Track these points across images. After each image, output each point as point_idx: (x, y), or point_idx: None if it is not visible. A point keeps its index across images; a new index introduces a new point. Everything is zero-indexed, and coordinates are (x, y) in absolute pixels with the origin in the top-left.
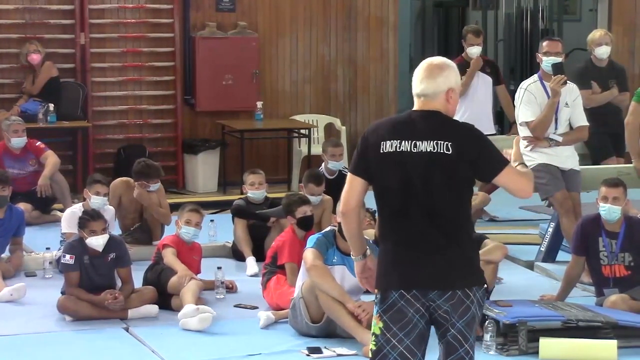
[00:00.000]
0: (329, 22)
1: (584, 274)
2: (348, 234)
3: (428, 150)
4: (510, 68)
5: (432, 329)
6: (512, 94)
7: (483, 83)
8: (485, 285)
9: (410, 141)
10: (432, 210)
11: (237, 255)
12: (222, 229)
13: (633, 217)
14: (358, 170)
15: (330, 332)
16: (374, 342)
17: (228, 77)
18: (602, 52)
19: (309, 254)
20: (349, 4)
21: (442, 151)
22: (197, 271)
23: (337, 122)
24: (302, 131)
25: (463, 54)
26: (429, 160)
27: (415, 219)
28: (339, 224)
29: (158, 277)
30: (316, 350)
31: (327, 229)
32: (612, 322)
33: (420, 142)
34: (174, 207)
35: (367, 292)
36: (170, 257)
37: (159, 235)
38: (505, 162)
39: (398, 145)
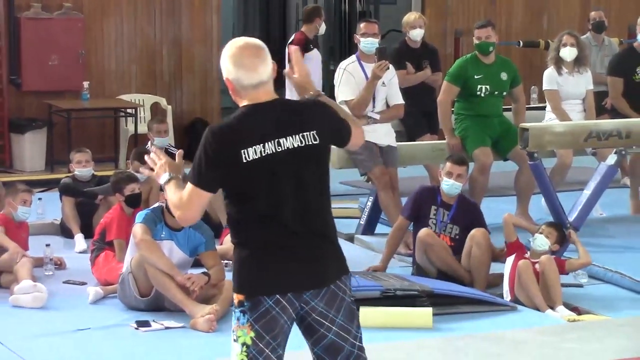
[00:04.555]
0: (153, 3)
1: (402, 245)
2: None
3: (295, 145)
4: (330, 48)
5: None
6: (332, 73)
7: (316, 57)
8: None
9: (272, 141)
10: (304, 208)
11: (65, 232)
12: (50, 207)
13: (467, 197)
14: (207, 185)
15: (159, 305)
16: (245, 353)
17: (54, 58)
18: (416, 34)
19: (138, 229)
20: None
21: (310, 143)
22: (25, 248)
23: (163, 101)
24: (129, 110)
25: (304, 29)
26: (298, 156)
27: (286, 221)
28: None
29: None
30: (145, 323)
31: (155, 205)
32: (428, 291)
33: (284, 139)
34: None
35: (194, 265)
36: None
37: None
38: (349, 123)
39: (262, 149)
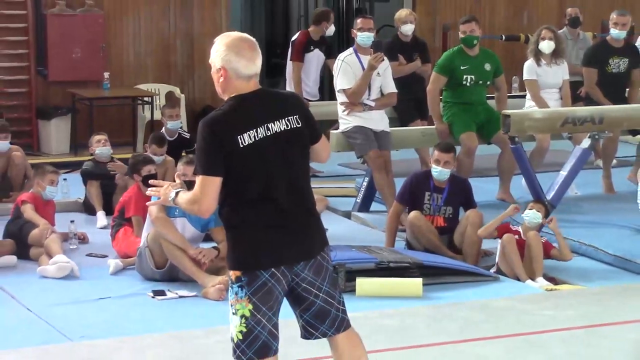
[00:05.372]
0: (168, 0)
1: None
2: None
3: (282, 129)
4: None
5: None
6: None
7: (318, 56)
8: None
9: (262, 126)
10: (291, 188)
11: (88, 209)
12: (74, 187)
13: (457, 175)
14: (216, 170)
15: (173, 276)
16: (244, 325)
17: (77, 51)
18: (408, 29)
19: (153, 207)
20: None
21: (295, 126)
22: (52, 224)
23: (177, 90)
24: (145, 98)
25: (311, 29)
26: (285, 139)
27: (277, 200)
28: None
29: (19, 230)
30: (160, 292)
31: None
32: (418, 263)
33: (272, 124)
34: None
35: (205, 240)
36: (30, 212)
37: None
38: (321, 132)
39: (255, 134)
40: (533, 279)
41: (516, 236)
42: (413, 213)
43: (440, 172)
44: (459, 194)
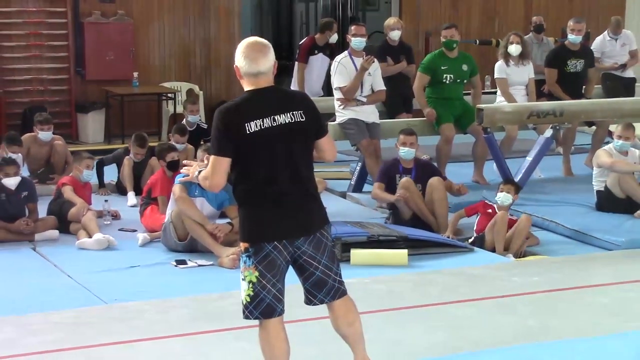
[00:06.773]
0: (189, 10)
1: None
2: None
3: (287, 121)
4: None
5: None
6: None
7: (322, 59)
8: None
9: (269, 117)
10: (293, 173)
11: (120, 190)
12: (107, 171)
13: (420, 159)
14: (225, 152)
15: (193, 248)
16: (252, 289)
17: (110, 54)
18: (395, 34)
19: (176, 188)
20: None
21: (298, 119)
22: (89, 203)
23: (196, 88)
24: (169, 95)
25: (317, 36)
26: (289, 130)
27: (281, 183)
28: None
29: (60, 208)
30: (182, 262)
31: None
32: (403, 236)
33: (278, 116)
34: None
35: (221, 217)
36: (69, 192)
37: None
38: (326, 127)
39: (261, 123)
40: (506, 251)
41: (489, 210)
42: (404, 179)
43: (407, 152)
44: (426, 172)
